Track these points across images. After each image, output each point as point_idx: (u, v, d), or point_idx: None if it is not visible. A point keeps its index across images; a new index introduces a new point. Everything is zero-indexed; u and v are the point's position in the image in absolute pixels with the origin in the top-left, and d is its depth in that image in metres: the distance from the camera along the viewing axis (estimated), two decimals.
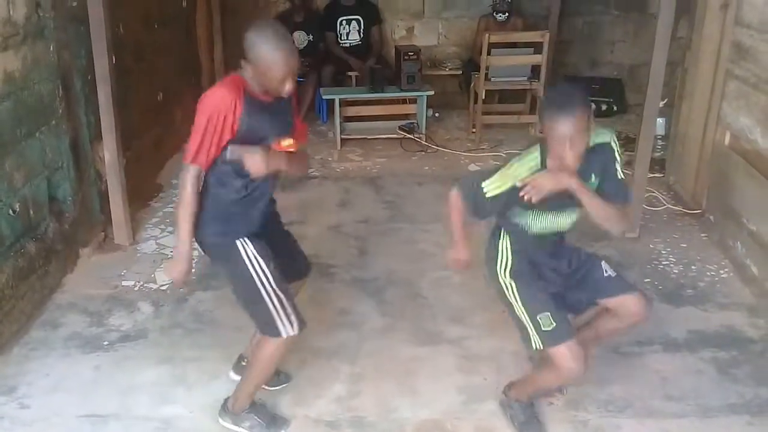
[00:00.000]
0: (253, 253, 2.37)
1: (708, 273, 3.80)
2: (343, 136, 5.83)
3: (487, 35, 5.60)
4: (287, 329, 2.39)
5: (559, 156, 2.22)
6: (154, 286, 3.66)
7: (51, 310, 3.42)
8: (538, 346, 2.44)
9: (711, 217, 4.21)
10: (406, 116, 6.05)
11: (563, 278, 2.54)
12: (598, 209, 2.27)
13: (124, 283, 3.69)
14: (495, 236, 2.55)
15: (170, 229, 4.32)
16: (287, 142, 2.35)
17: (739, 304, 3.50)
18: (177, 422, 2.72)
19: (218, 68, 6.73)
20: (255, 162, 2.25)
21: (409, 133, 5.89)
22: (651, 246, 4.09)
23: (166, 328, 3.31)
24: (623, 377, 2.93)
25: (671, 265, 3.88)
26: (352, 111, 5.99)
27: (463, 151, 5.74)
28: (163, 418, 2.74)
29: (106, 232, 4.10)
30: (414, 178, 5.22)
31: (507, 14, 6.22)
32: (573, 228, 2.49)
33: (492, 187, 2.34)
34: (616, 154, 2.36)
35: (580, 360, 2.38)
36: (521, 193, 2.26)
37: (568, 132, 2.16)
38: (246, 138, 2.26)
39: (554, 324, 2.39)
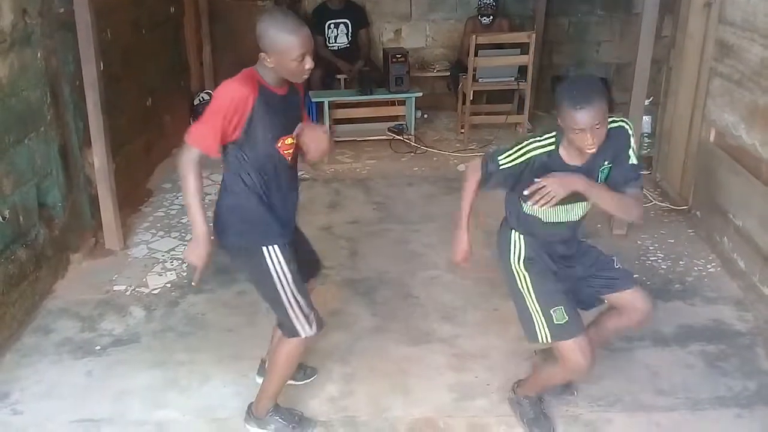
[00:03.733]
0: (277, 258, 2.36)
1: (696, 268, 3.84)
2: (332, 139, 5.84)
3: (473, 37, 5.63)
4: (305, 329, 2.43)
5: (578, 147, 2.24)
6: (146, 290, 3.66)
7: (42, 316, 3.42)
8: (545, 339, 2.43)
9: (698, 213, 4.25)
10: (395, 118, 6.07)
11: (574, 270, 2.53)
12: (609, 202, 2.31)
13: (115, 287, 3.69)
14: (506, 227, 2.55)
15: (161, 233, 4.33)
16: (289, 141, 2.36)
17: (727, 298, 3.54)
18: (170, 426, 2.73)
19: (207, 73, 6.74)
20: None
21: (398, 135, 5.91)
22: (639, 242, 4.13)
23: (158, 332, 3.32)
24: (613, 372, 2.96)
25: (659, 261, 3.92)
26: (342, 113, 6.01)
27: (452, 152, 5.77)
28: (156, 422, 2.75)
29: (96, 238, 4.10)
30: (403, 179, 5.25)
31: (492, 17, 6.26)
32: (583, 220, 2.49)
33: (506, 159, 2.38)
34: (631, 140, 2.37)
35: (589, 355, 2.39)
36: (530, 202, 2.29)
37: (588, 124, 2.16)
38: (254, 134, 2.24)
39: (566, 318, 2.40)
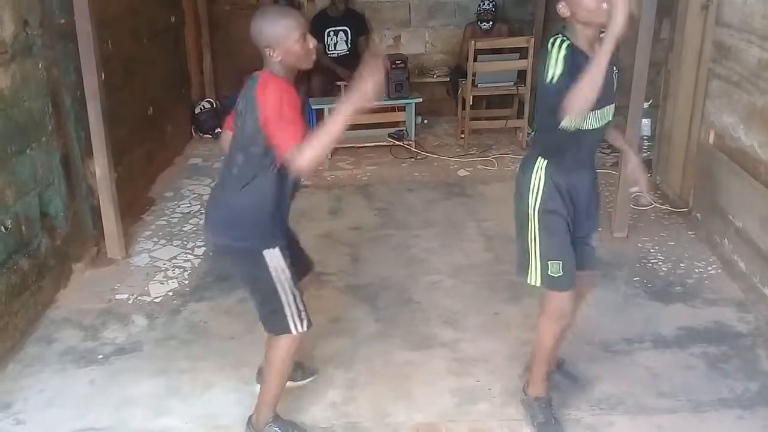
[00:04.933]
0: (277, 260, 2.37)
1: (696, 270, 3.84)
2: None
3: (473, 42, 5.65)
4: (297, 326, 2.42)
5: (594, 12, 2.20)
6: (148, 299, 3.68)
7: (45, 325, 3.43)
8: (535, 282, 2.52)
9: (698, 215, 4.25)
10: (395, 124, 6.08)
11: (578, 208, 2.53)
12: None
13: (117, 296, 3.70)
14: (529, 166, 2.51)
15: (163, 242, 4.34)
16: None
17: (728, 300, 3.53)
18: None
19: (207, 81, 6.77)
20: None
21: (398, 141, 5.93)
22: (639, 245, 4.13)
23: (160, 340, 3.32)
24: (614, 375, 2.96)
25: (660, 264, 3.92)
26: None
27: (452, 157, 5.78)
28: (158, 430, 2.75)
29: (99, 247, 4.11)
30: (404, 184, 5.26)
31: (491, 23, 6.29)
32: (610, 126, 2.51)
33: (554, 72, 2.26)
34: None
35: (570, 308, 2.54)
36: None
37: None
38: None
39: (562, 273, 2.47)
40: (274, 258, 2.37)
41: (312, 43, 2.27)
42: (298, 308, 2.43)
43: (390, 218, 4.67)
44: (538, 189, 2.48)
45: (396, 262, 4.03)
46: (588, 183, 2.55)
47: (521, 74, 5.84)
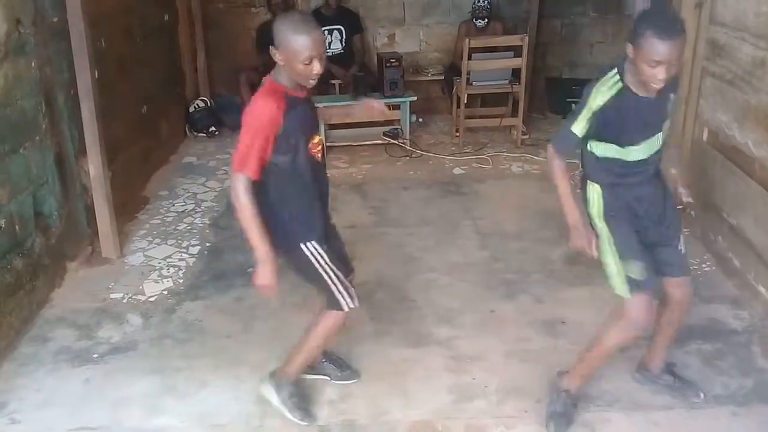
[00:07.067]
0: (315, 249, 2.49)
1: (691, 267, 3.83)
2: (328, 144, 5.85)
3: (467, 40, 5.66)
4: (347, 302, 2.56)
5: (645, 80, 2.19)
6: (143, 298, 3.67)
7: (39, 325, 3.42)
8: (621, 290, 2.44)
9: (692, 213, 4.26)
10: (390, 122, 6.07)
11: (651, 224, 2.49)
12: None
13: (112, 295, 3.69)
14: (583, 184, 2.53)
15: (157, 241, 4.33)
16: (317, 139, 2.45)
17: (723, 297, 3.55)
18: None
19: (202, 80, 6.76)
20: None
21: (393, 139, 5.93)
22: None
23: (155, 339, 3.32)
24: (610, 372, 2.95)
25: None
26: (336, 118, 6.01)
27: (447, 155, 5.78)
28: (154, 429, 2.74)
29: (93, 246, 4.10)
30: (399, 183, 5.26)
31: (486, 20, 6.29)
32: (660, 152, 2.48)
33: (581, 126, 2.34)
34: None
35: (650, 315, 2.44)
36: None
37: (668, 58, 2.11)
38: (287, 144, 2.32)
39: (645, 275, 2.40)
40: (312, 248, 2.48)
41: (317, 69, 2.28)
42: (344, 286, 2.56)
43: (385, 216, 4.67)
44: (595, 200, 2.47)
45: (391, 261, 4.03)
46: (652, 193, 2.49)
47: (516, 72, 5.85)
